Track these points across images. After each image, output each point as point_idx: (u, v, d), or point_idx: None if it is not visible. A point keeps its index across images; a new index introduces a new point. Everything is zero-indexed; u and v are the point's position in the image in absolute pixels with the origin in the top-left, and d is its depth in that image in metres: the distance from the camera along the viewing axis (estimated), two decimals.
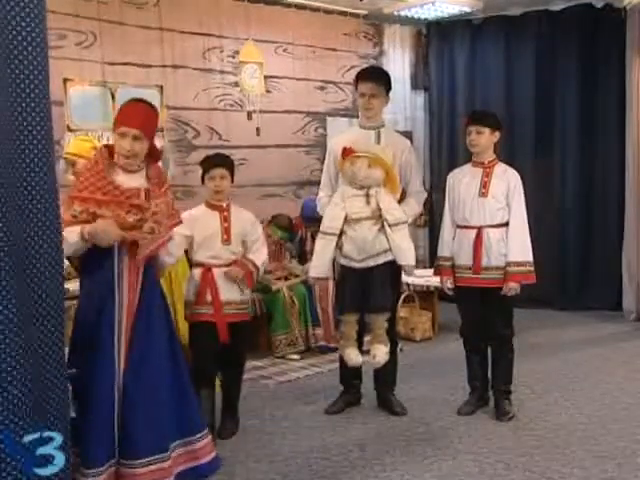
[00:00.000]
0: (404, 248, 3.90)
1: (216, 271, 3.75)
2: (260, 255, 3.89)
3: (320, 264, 3.96)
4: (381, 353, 3.86)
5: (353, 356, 3.90)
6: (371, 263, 3.89)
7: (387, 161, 3.91)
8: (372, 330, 3.94)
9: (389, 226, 3.86)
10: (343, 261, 3.95)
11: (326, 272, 4.02)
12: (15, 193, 2.05)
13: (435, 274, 4.31)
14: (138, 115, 3.11)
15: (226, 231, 3.78)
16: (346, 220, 3.88)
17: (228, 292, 3.77)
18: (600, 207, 6.93)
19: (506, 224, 4.00)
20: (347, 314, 3.95)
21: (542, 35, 6.97)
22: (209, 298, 3.74)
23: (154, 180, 3.17)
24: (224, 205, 3.84)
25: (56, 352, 2.25)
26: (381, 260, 3.90)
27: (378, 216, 3.87)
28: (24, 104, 2.10)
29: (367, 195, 3.88)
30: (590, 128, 6.86)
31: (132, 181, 3.10)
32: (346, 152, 3.91)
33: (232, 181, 3.86)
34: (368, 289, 3.90)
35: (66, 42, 5.23)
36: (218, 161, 3.85)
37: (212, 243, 3.76)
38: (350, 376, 4.33)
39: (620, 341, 5.84)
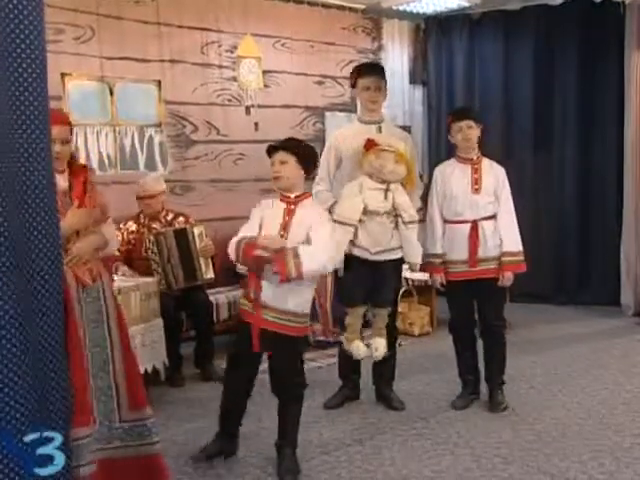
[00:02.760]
0: (415, 246, 3.98)
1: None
2: None
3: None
4: (382, 347, 3.93)
5: (360, 347, 3.93)
6: (383, 257, 3.93)
7: (408, 158, 3.93)
8: (374, 323, 3.98)
9: (404, 223, 3.90)
10: (356, 251, 3.95)
11: (341, 262, 3.97)
12: (14, 188, 2.05)
13: (423, 270, 4.28)
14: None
15: (284, 227, 3.26)
16: (363, 211, 3.88)
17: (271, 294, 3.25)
18: (598, 203, 6.91)
19: (495, 216, 4.05)
20: (355, 306, 3.97)
21: (541, 30, 6.95)
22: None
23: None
24: (292, 197, 3.31)
25: (57, 349, 2.24)
26: (393, 256, 3.97)
27: (393, 212, 3.90)
28: (22, 97, 2.09)
29: (387, 190, 3.89)
30: (589, 124, 6.84)
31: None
32: (370, 144, 3.90)
33: (305, 170, 3.31)
34: (378, 283, 3.95)
35: (64, 37, 5.21)
36: (280, 143, 3.33)
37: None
38: (349, 371, 4.34)
39: (618, 336, 5.84)
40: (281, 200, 3.35)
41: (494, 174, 4.08)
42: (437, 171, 4.25)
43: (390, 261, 3.97)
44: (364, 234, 3.91)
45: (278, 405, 3.42)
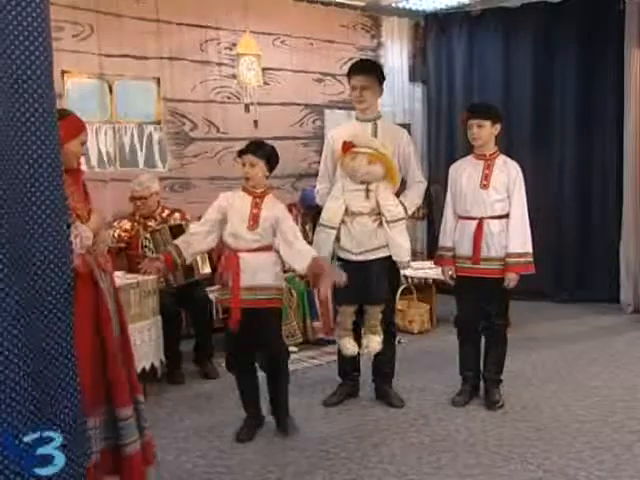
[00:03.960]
0: (400, 245, 3.99)
1: (241, 255, 3.63)
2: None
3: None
4: (374, 343, 3.97)
5: (350, 345, 4.00)
6: (369, 257, 3.97)
7: (387, 156, 3.93)
8: (366, 321, 4.02)
9: (387, 222, 3.93)
10: (341, 253, 4.03)
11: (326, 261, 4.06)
12: (18, 184, 2.04)
13: (436, 264, 4.37)
14: None
15: (254, 217, 3.64)
16: (346, 213, 3.94)
17: (250, 277, 3.61)
18: (598, 200, 6.92)
19: (507, 216, 4.02)
20: (345, 305, 4.02)
21: (540, 27, 6.94)
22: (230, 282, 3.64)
23: None
24: (258, 192, 3.71)
25: (63, 347, 2.23)
26: (378, 255, 3.99)
27: (377, 212, 3.92)
28: (26, 95, 2.09)
29: (367, 190, 3.92)
30: (588, 121, 6.84)
31: None
32: (346, 147, 3.92)
33: (269, 170, 3.73)
34: (366, 282, 3.96)
35: (63, 34, 5.21)
36: (249, 148, 3.72)
37: (239, 227, 3.64)
38: (348, 368, 4.34)
39: (617, 333, 5.85)
40: (248, 194, 3.72)
41: (507, 171, 4.04)
42: (452, 167, 4.26)
43: (376, 260, 3.98)
44: (347, 236, 3.97)
45: (267, 380, 3.82)
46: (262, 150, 3.71)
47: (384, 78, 4.27)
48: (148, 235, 4.77)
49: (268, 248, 3.66)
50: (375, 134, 4.14)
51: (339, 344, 4.05)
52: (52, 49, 2.13)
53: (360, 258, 3.97)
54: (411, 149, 4.27)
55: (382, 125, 4.23)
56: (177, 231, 4.80)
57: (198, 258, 4.80)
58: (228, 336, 3.83)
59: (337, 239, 3.99)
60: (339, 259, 4.05)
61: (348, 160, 3.92)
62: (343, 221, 3.96)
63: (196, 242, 3.73)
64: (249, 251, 3.63)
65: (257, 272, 3.61)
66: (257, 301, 3.63)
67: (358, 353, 4.20)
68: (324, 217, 4.04)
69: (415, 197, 4.22)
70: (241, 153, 3.72)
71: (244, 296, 3.60)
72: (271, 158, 3.74)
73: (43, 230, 2.14)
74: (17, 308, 2.02)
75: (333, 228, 3.97)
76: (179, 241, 3.79)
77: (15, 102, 2.06)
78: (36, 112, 2.12)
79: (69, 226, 2.29)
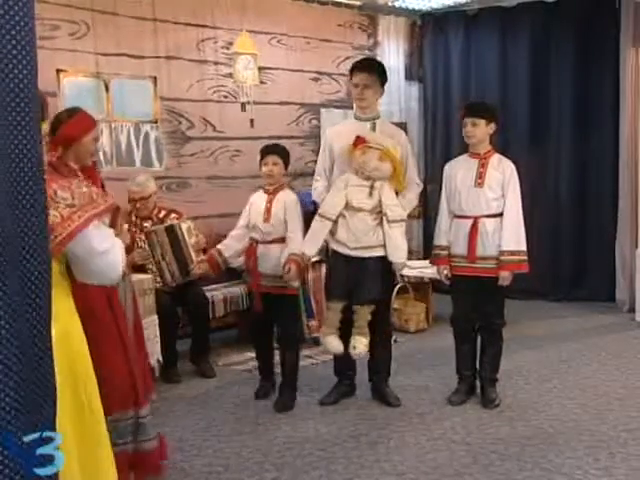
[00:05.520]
0: (398, 246, 3.97)
1: (259, 246, 4.18)
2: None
3: (313, 244, 4.01)
4: (361, 344, 3.89)
5: (335, 344, 3.92)
6: (364, 254, 3.93)
7: (397, 158, 3.93)
8: (354, 321, 3.93)
9: (388, 222, 3.91)
10: (335, 246, 4.00)
11: (316, 251, 4.14)
12: (6, 187, 2.05)
13: (431, 263, 4.36)
14: None
15: (268, 211, 4.14)
16: (346, 207, 3.92)
17: (266, 266, 4.14)
18: (594, 200, 6.93)
19: (502, 214, 4.02)
20: (333, 301, 3.98)
21: (537, 26, 6.95)
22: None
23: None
24: (271, 189, 4.18)
25: (45, 344, 2.24)
26: (375, 253, 3.95)
27: (378, 210, 3.90)
28: (8, 99, 2.09)
29: (371, 187, 3.91)
30: (585, 119, 6.85)
31: None
32: (359, 141, 3.92)
33: (286, 168, 4.25)
34: (358, 280, 3.93)
35: (59, 33, 5.18)
36: (273, 149, 4.22)
37: (257, 220, 4.17)
38: (344, 367, 4.34)
39: (613, 332, 5.86)
40: (264, 192, 4.21)
41: (501, 170, 4.05)
42: (447, 166, 4.27)
43: (372, 259, 3.94)
44: (344, 229, 3.94)
45: (279, 354, 4.33)
46: (283, 150, 4.23)
47: (386, 79, 4.26)
48: (143, 236, 4.75)
49: (282, 240, 4.10)
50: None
51: (323, 341, 4.01)
52: (36, 44, 2.13)
53: (354, 254, 3.94)
54: (409, 150, 4.26)
55: (381, 125, 4.23)
56: (170, 231, 4.76)
57: (194, 257, 4.78)
58: (250, 312, 4.59)
59: (332, 232, 3.96)
60: (333, 252, 4.03)
61: (358, 154, 3.91)
62: (343, 215, 3.92)
63: (233, 243, 4.30)
64: (265, 242, 4.13)
65: (272, 262, 4.10)
66: (272, 287, 4.13)
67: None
68: (324, 207, 4.00)
69: (413, 198, 4.22)
70: (264, 154, 4.17)
71: (262, 282, 4.15)
72: (288, 157, 4.26)
73: (28, 229, 2.15)
74: (13, 307, 2.03)
75: (330, 220, 3.94)
76: (220, 244, 4.35)
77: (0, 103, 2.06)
78: (17, 107, 2.12)
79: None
